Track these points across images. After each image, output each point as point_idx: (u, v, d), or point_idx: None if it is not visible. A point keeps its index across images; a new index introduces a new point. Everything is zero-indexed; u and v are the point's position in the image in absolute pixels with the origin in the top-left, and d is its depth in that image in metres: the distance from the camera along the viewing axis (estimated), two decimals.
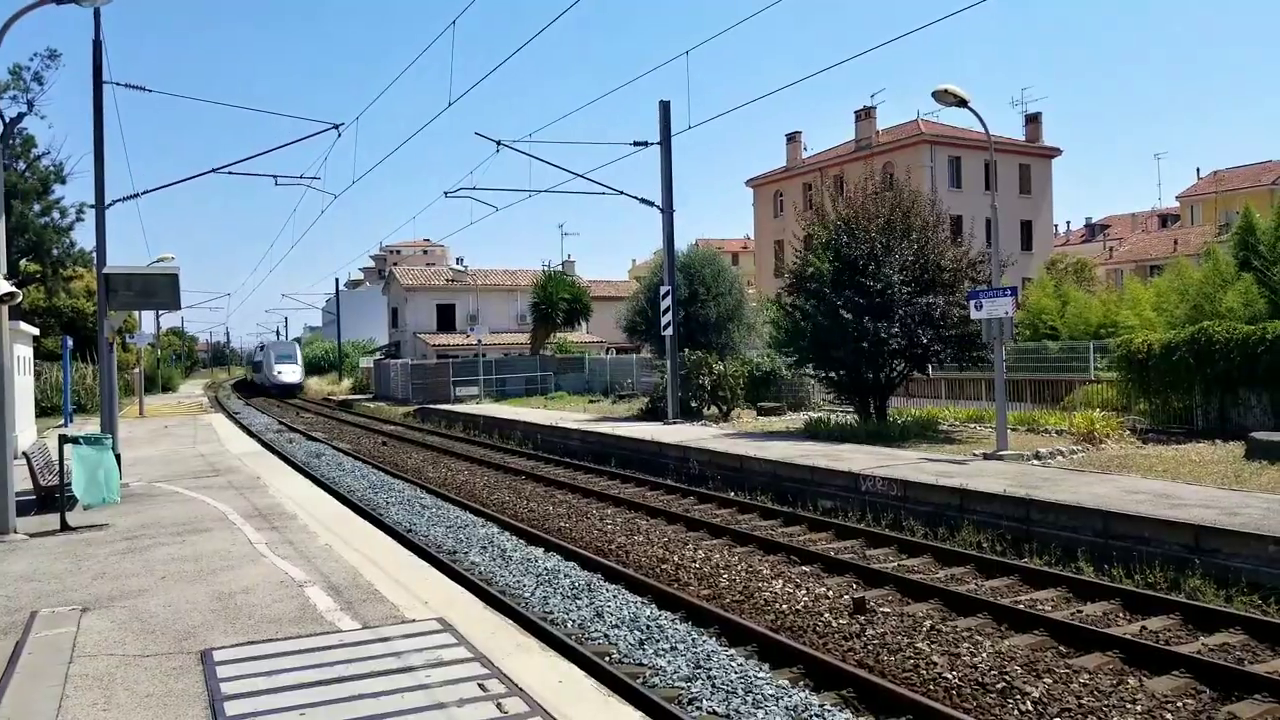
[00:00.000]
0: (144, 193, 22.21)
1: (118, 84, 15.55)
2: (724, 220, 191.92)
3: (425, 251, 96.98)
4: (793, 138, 57.06)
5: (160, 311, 38.95)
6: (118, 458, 12.27)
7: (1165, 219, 69.82)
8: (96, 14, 14.16)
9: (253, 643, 6.05)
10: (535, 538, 11.86)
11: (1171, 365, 17.83)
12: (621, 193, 23.99)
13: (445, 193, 25.53)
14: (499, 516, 13.41)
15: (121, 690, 5.27)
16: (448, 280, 55.80)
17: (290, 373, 57.83)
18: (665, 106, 23.17)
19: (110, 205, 15.13)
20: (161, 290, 13.82)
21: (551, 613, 8.59)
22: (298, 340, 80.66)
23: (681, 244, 28.52)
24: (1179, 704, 6.14)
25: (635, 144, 22.99)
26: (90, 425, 21.14)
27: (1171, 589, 8.74)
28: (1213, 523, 9.01)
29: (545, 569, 10.13)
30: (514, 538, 12.02)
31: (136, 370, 38.93)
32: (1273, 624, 7.51)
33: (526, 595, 9.22)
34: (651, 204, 23.37)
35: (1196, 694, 6.34)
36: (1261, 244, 20.79)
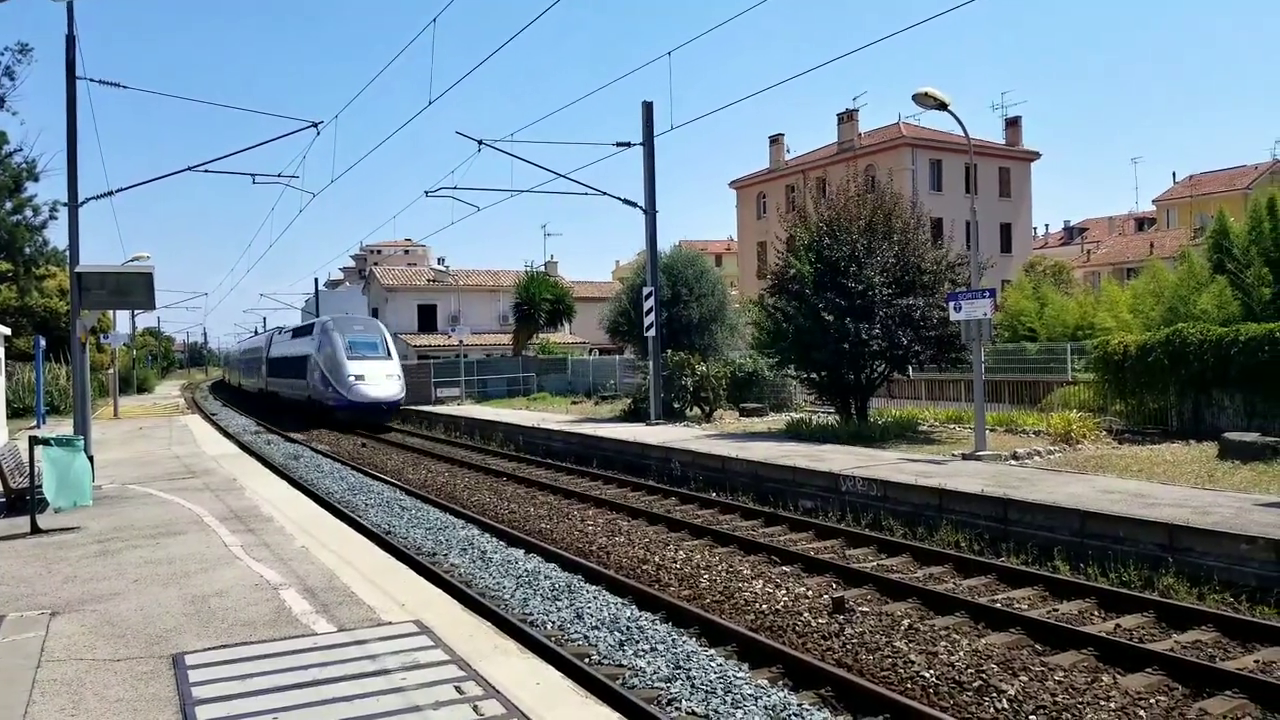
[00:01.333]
0: (118, 190, 21.98)
1: (92, 80, 15.33)
2: (708, 221, 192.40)
3: (406, 251, 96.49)
4: (776, 140, 57.30)
5: (135, 311, 38.51)
6: (90, 459, 12.11)
7: (1142, 222, 70.62)
8: (70, 8, 13.98)
9: (226, 646, 5.98)
10: (516, 539, 11.81)
11: (1147, 367, 18.00)
12: (604, 193, 23.99)
13: (426, 192, 25.40)
14: (479, 518, 13.35)
15: (90, 695, 5.19)
16: (429, 280, 55.56)
17: (381, 378, 30.05)
18: (648, 107, 23.18)
19: (84, 203, 14.94)
20: (136, 289, 13.66)
21: (531, 614, 8.55)
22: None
23: (665, 245, 28.59)
24: (1152, 701, 6.19)
25: (618, 145, 23.00)
26: (64, 427, 20.86)
27: (1145, 587, 8.82)
28: (1186, 522, 9.10)
29: (526, 570, 10.09)
30: (494, 539, 11.97)
31: (111, 371, 38.49)
32: (1244, 621, 7.60)
33: (506, 597, 9.17)
34: (634, 205, 23.37)
35: (1169, 691, 6.40)
36: (1235, 247, 21.07)
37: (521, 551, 11.16)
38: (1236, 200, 47.24)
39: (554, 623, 8.28)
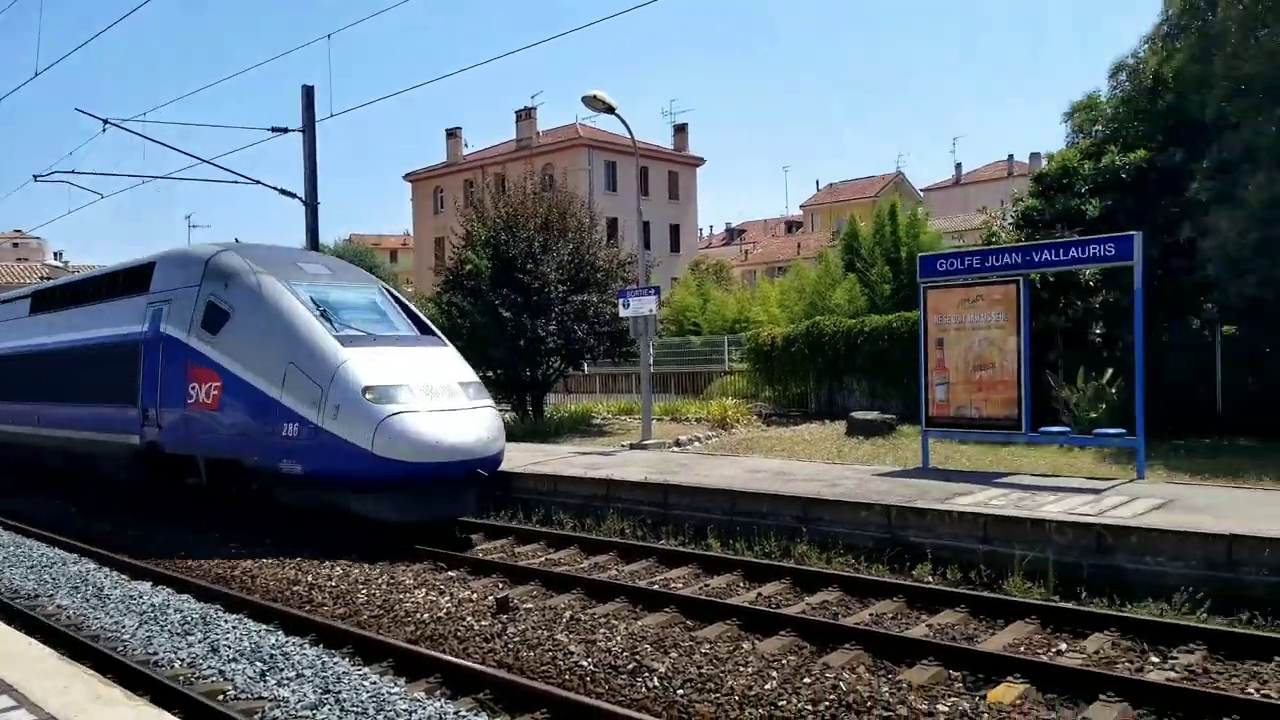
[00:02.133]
0: None
1: None
2: (383, 215, 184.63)
3: (16, 245, 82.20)
4: (453, 133, 56.57)
5: None
6: None
7: (791, 225, 79.37)
8: None
9: None
10: (141, 570, 10.25)
11: (791, 356, 20.05)
12: (257, 182, 21.83)
13: (35, 176, 21.61)
14: (97, 550, 11.43)
15: None
16: (43, 278, 47.73)
17: (456, 395, 10.90)
18: (309, 91, 21.49)
19: None
20: None
21: (156, 654, 7.42)
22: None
23: (333, 239, 26.86)
24: (784, 661, 6.68)
25: (273, 130, 21.09)
26: None
27: (784, 556, 9.63)
28: (816, 494, 10.08)
29: (152, 605, 8.77)
30: (115, 572, 10.30)
31: None
32: (862, 580, 8.53)
33: (125, 637, 7.90)
34: (293, 195, 21.54)
35: (799, 650, 6.96)
36: (863, 248, 24.22)
37: (148, 584, 9.70)
38: (867, 207, 54.60)
39: (182, 660, 7.23)
